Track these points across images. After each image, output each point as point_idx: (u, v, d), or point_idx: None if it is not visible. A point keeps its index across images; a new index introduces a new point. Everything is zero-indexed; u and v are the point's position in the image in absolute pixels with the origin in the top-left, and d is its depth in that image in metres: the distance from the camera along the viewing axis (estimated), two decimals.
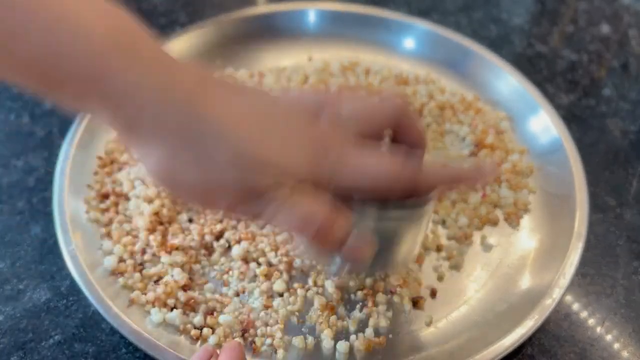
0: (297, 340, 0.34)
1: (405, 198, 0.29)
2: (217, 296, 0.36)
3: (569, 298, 0.39)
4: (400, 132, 0.31)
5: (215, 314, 0.35)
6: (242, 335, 0.34)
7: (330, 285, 0.36)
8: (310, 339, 0.34)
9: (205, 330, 0.34)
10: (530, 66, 0.57)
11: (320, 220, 0.27)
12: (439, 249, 0.40)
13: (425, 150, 0.32)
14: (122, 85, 0.24)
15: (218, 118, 0.25)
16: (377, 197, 0.28)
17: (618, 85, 0.56)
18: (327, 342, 0.34)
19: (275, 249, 0.38)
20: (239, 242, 0.38)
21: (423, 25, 0.54)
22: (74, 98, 0.25)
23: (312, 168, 0.27)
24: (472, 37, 0.55)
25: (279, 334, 0.34)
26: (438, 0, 0.65)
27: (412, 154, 0.30)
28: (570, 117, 0.51)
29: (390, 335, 0.35)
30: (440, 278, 0.38)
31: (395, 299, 0.37)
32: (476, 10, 0.64)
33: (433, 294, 0.37)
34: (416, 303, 0.36)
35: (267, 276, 0.37)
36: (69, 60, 0.23)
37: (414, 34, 0.54)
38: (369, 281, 0.37)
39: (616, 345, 0.37)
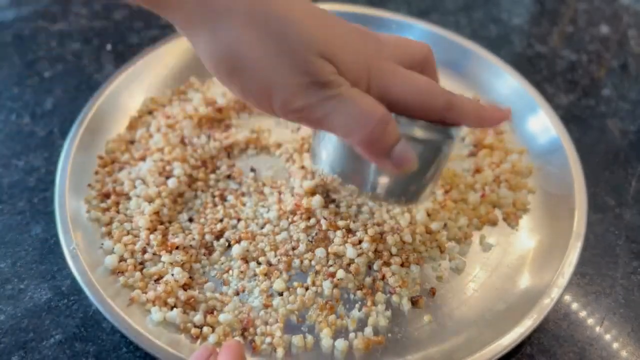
0: (297, 339, 0.34)
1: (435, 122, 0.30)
2: (217, 295, 0.36)
3: (568, 298, 0.39)
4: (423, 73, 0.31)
5: (215, 312, 0.35)
6: (242, 334, 0.34)
7: (328, 286, 0.36)
8: (309, 338, 0.35)
9: (205, 329, 0.34)
10: (530, 66, 0.57)
11: (378, 118, 0.27)
12: (441, 250, 0.39)
13: None
14: None
15: (292, 6, 0.25)
16: (415, 114, 0.29)
17: (617, 85, 0.56)
18: (326, 341, 0.34)
19: (275, 249, 0.38)
20: (238, 241, 0.38)
21: (423, 25, 0.54)
22: None
23: (369, 69, 0.27)
24: (472, 37, 0.55)
25: (278, 333, 0.34)
26: (438, 0, 0.65)
27: None
28: (570, 117, 0.51)
29: (389, 335, 0.35)
30: (439, 278, 0.38)
31: (395, 298, 0.37)
32: (476, 10, 0.64)
33: (432, 293, 0.37)
34: (415, 302, 0.37)
35: (267, 275, 0.37)
36: None
37: (414, 34, 0.54)
38: (368, 280, 0.37)
39: (615, 345, 0.37)
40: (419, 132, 0.30)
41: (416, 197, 0.34)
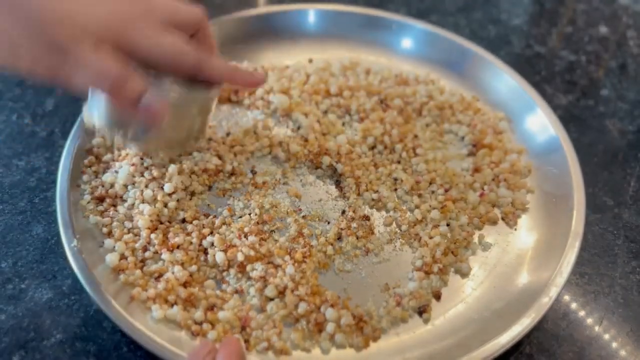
0: (295, 336, 0.34)
1: (193, 80, 0.35)
2: (217, 292, 0.36)
3: (567, 297, 0.39)
4: (197, 37, 0.36)
5: (215, 309, 0.35)
6: (241, 332, 0.34)
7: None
8: (307, 334, 0.35)
9: (205, 326, 0.34)
10: (529, 67, 0.57)
11: (114, 75, 0.30)
12: (455, 254, 0.39)
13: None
14: None
15: None
16: (169, 70, 0.34)
17: (616, 85, 0.56)
18: (325, 344, 0.34)
19: (254, 260, 0.37)
20: (224, 250, 0.38)
21: (423, 26, 0.54)
22: None
23: (116, 29, 0.30)
24: (471, 37, 0.55)
25: (275, 338, 0.34)
26: (437, 1, 0.65)
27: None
28: (569, 118, 0.51)
29: (389, 332, 0.35)
30: (444, 282, 0.38)
31: (400, 307, 0.36)
32: (475, 11, 0.64)
33: (437, 296, 0.37)
34: (424, 311, 0.36)
35: (262, 280, 0.36)
36: None
37: (414, 34, 0.54)
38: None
39: (614, 344, 0.37)
40: (165, 91, 0.35)
41: (179, 148, 0.41)
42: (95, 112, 0.36)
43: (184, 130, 0.39)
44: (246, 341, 0.34)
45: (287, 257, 0.37)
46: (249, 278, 0.37)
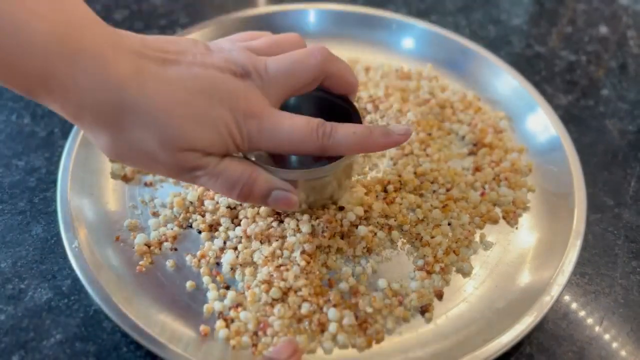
0: (301, 339, 0.34)
1: (319, 156, 0.33)
2: (246, 293, 0.36)
3: (567, 297, 0.39)
4: (330, 79, 0.35)
5: (239, 308, 0.35)
6: (252, 336, 0.34)
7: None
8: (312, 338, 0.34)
9: (218, 324, 0.34)
10: (529, 67, 0.57)
11: (242, 183, 0.32)
12: (456, 253, 0.39)
13: (355, 95, 0.37)
14: (64, 85, 0.27)
15: (146, 107, 0.29)
16: (293, 154, 0.34)
17: (616, 85, 0.56)
18: (327, 344, 0.34)
19: (261, 263, 0.37)
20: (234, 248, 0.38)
21: (423, 25, 0.54)
22: (26, 91, 0.28)
23: (231, 143, 0.31)
24: (471, 37, 0.55)
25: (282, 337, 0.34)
26: (437, 1, 0.65)
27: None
28: (569, 118, 0.51)
29: (391, 332, 0.35)
30: (446, 281, 0.38)
31: (400, 311, 0.36)
32: (475, 11, 0.64)
33: (439, 296, 0.37)
34: (425, 310, 0.36)
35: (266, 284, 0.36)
36: (16, 59, 0.26)
37: (414, 34, 0.54)
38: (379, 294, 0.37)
39: (614, 345, 0.37)
40: (292, 176, 0.34)
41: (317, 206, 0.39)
42: None
43: (325, 195, 0.38)
44: (254, 345, 0.33)
45: (293, 256, 0.37)
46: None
